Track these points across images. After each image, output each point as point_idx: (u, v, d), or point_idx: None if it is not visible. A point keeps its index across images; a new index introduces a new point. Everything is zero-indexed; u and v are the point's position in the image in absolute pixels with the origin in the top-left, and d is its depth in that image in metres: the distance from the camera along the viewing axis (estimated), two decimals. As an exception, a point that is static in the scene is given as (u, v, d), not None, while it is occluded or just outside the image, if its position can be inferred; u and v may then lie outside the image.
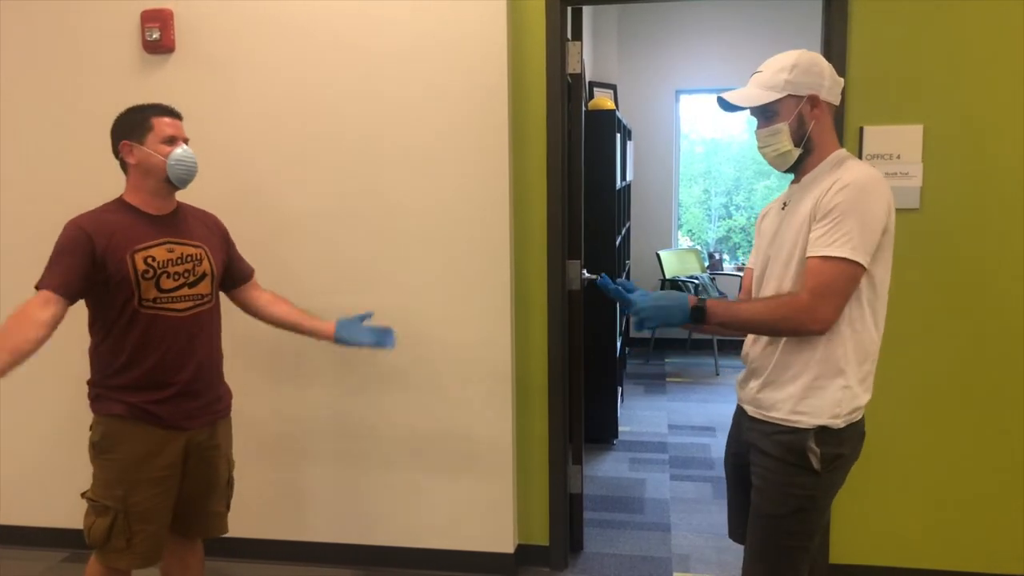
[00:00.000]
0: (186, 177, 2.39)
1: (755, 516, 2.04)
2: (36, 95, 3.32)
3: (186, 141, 2.41)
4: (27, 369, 3.43)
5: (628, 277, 6.61)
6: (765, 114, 1.98)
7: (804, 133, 1.97)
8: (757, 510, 2.03)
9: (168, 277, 2.33)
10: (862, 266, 1.86)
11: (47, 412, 3.44)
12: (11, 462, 3.52)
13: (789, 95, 1.94)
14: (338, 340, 2.60)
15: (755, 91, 1.97)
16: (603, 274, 2.14)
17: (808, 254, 1.90)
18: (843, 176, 1.89)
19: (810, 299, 1.86)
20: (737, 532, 2.24)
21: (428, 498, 3.28)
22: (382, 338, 2.60)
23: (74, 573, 3.30)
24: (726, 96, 1.99)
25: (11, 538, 3.55)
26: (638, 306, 1.95)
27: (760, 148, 2.03)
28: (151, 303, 2.30)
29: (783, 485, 1.97)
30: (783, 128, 1.96)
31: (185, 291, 2.36)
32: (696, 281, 6.75)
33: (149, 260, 2.30)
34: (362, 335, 2.60)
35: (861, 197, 1.86)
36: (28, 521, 3.53)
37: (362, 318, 2.65)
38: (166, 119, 2.37)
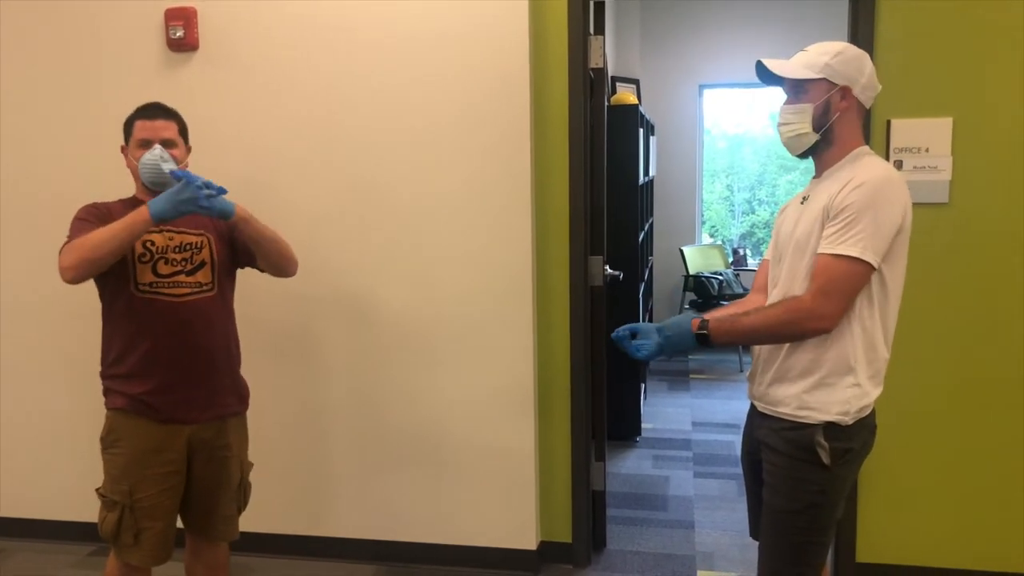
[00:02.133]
0: (153, 180, 2.32)
1: (767, 512, 2.03)
2: (61, 92, 3.35)
3: (167, 143, 2.34)
4: (59, 362, 3.48)
5: (651, 274, 6.57)
6: (795, 91, 1.97)
7: (826, 122, 1.95)
8: (769, 507, 2.03)
9: (166, 263, 2.33)
10: (872, 266, 1.85)
11: (75, 406, 3.47)
12: (40, 457, 3.56)
13: (824, 79, 1.93)
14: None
15: (795, 66, 1.96)
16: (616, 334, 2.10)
17: (818, 251, 1.88)
18: (858, 174, 1.88)
19: (812, 298, 1.86)
20: (758, 530, 2.22)
21: (451, 494, 3.28)
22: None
23: (100, 566, 3.33)
24: (765, 62, 1.98)
25: (40, 531, 3.60)
26: (655, 343, 1.98)
27: (779, 125, 2.03)
28: (147, 287, 2.31)
29: (794, 481, 1.97)
30: (807, 109, 1.94)
31: (182, 278, 2.35)
32: (720, 277, 6.70)
33: (148, 244, 2.31)
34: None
35: (876, 196, 1.84)
36: (56, 515, 3.58)
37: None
38: (144, 122, 2.35)
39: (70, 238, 2.28)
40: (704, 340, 1.94)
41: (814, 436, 1.92)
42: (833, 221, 1.87)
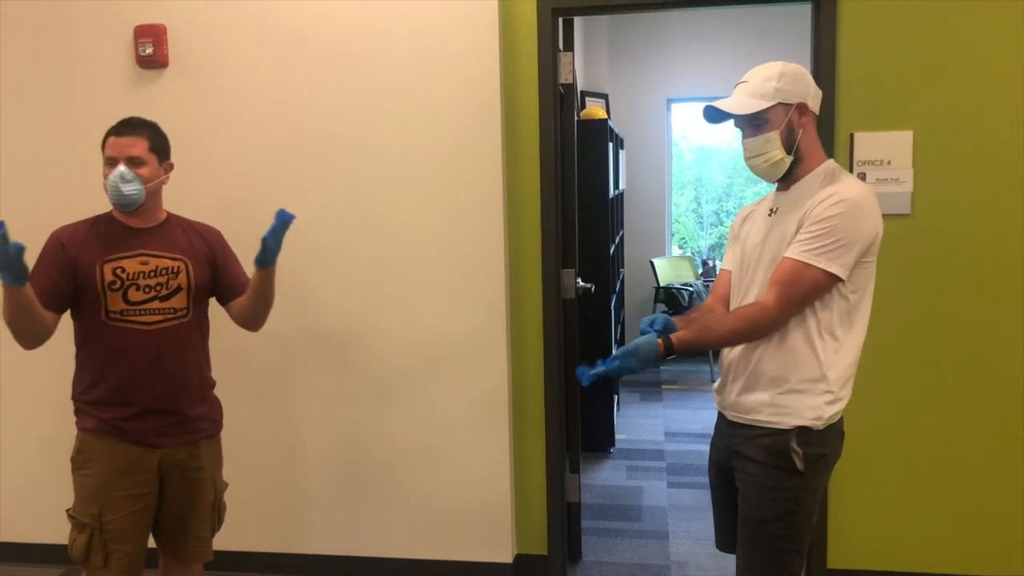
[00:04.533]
0: (115, 202, 2.29)
1: (743, 521, 2.05)
2: (31, 110, 3.32)
3: (133, 160, 2.28)
4: (25, 384, 3.43)
5: (622, 285, 6.62)
6: (754, 123, 1.97)
7: (794, 141, 1.98)
8: (745, 515, 2.04)
9: (137, 289, 2.29)
10: (838, 278, 1.90)
11: (43, 427, 3.42)
12: (8, 478, 3.51)
13: (779, 103, 1.95)
14: (261, 264, 2.36)
15: (746, 99, 1.97)
16: (580, 370, 2.01)
17: (787, 254, 1.92)
18: (840, 190, 1.92)
19: (778, 304, 1.90)
20: (725, 542, 2.24)
21: (426, 509, 3.27)
22: (276, 230, 2.30)
23: (71, 590, 3.29)
24: (717, 104, 1.98)
25: (9, 554, 3.53)
26: (621, 365, 1.93)
27: (749, 158, 2.02)
28: (118, 315, 2.28)
29: (769, 488, 1.99)
30: (774, 136, 1.96)
31: (155, 304, 2.32)
32: (690, 288, 6.77)
33: (118, 271, 2.28)
34: (268, 241, 2.31)
35: (854, 214, 1.89)
36: (25, 538, 3.52)
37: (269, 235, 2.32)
38: (111, 139, 2.31)
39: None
40: (669, 353, 1.95)
41: (788, 442, 1.96)
42: (808, 228, 1.90)
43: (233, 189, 3.23)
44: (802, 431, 1.96)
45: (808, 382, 1.96)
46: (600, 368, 1.95)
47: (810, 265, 1.88)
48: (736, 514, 2.11)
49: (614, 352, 1.96)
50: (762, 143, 1.98)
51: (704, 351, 2.07)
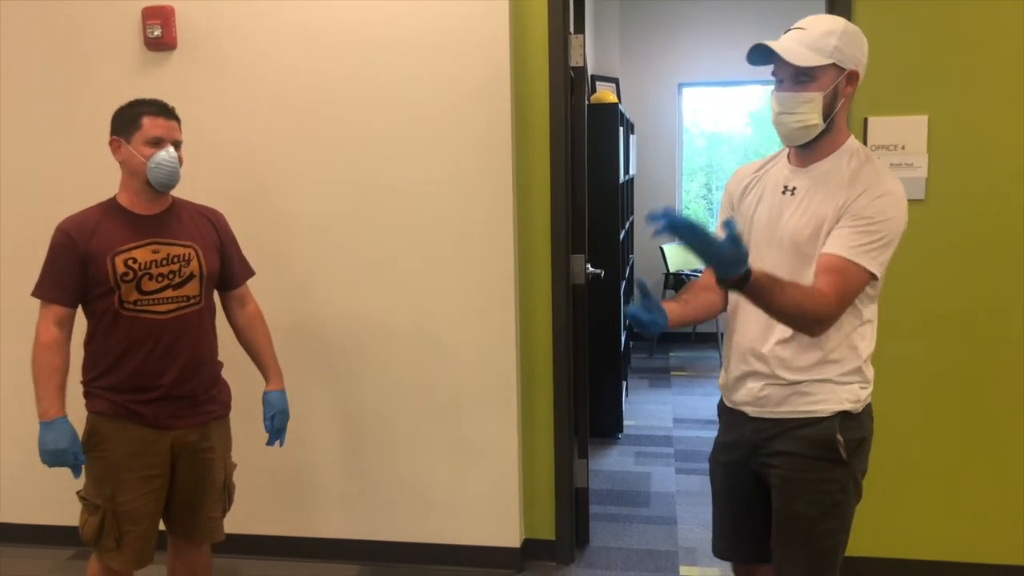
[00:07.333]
0: (165, 182, 2.31)
1: (785, 519, 1.90)
2: (37, 91, 3.31)
3: (176, 144, 2.33)
4: (28, 365, 3.43)
5: (632, 271, 6.60)
6: (800, 78, 1.77)
7: (832, 110, 1.80)
8: (786, 512, 1.90)
9: (150, 279, 2.29)
10: (874, 278, 1.79)
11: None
12: (17, 459, 3.52)
13: (834, 64, 1.77)
14: (264, 400, 2.59)
15: (801, 49, 1.75)
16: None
17: (834, 249, 1.76)
18: (879, 183, 1.78)
19: (836, 304, 1.74)
20: (728, 549, 2.10)
21: (434, 493, 3.28)
22: (274, 435, 2.60)
23: (81, 571, 3.30)
24: (773, 46, 1.75)
25: (19, 536, 3.56)
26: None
27: (779, 114, 1.81)
28: (132, 305, 2.28)
29: (814, 482, 1.87)
30: (817, 98, 1.77)
31: (169, 292, 2.32)
32: (700, 274, 6.73)
33: (130, 262, 2.27)
34: (269, 418, 2.57)
35: (896, 210, 1.77)
36: (36, 519, 3.54)
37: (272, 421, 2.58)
38: (158, 120, 2.31)
39: (44, 289, 2.27)
40: (747, 276, 1.63)
41: (831, 431, 1.84)
42: (855, 223, 1.76)
43: (240, 172, 3.23)
44: (844, 416, 1.85)
45: (847, 374, 1.86)
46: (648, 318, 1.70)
47: (856, 263, 1.75)
48: (748, 518, 2.01)
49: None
50: (800, 102, 1.78)
51: (765, 298, 1.71)
